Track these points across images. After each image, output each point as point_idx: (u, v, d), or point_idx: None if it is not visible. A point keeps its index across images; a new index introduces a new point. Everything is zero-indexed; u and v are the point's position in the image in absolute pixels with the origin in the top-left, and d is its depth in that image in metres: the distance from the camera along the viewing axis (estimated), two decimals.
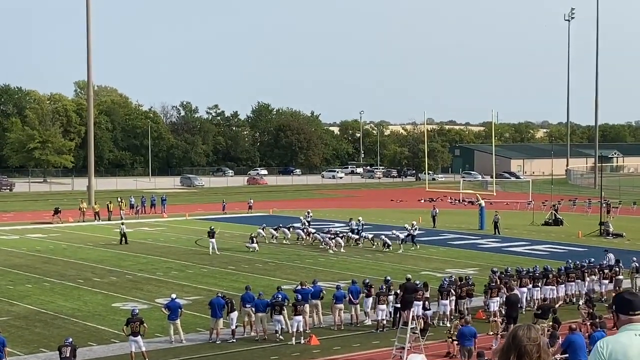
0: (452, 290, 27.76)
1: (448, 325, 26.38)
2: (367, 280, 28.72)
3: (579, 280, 31.14)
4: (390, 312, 27.00)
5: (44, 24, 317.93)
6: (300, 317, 25.05)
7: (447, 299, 27.41)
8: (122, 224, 50.51)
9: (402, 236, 46.36)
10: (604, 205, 57.88)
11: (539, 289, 29.76)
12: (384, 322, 26.62)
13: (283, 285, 31.24)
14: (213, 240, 44.24)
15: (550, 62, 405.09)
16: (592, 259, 33.80)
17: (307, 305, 26.12)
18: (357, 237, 47.97)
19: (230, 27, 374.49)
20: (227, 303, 25.30)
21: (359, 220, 51.03)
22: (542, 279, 29.93)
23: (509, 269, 32.77)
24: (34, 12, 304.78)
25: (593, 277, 31.57)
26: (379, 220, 63.19)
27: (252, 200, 71.77)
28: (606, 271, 31.93)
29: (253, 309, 25.31)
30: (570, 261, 32.83)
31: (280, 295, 25.94)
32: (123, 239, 48.26)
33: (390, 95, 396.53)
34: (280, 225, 51.02)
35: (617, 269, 32.25)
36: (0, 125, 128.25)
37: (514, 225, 58.69)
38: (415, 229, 47.81)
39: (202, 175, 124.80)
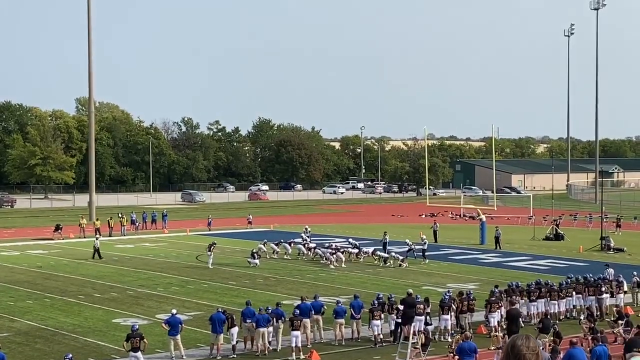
0: (452, 305, 27.73)
1: (449, 340, 26.34)
2: (391, 296, 28.59)
3: (580, 295, 31.04)
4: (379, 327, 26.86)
5: (45, 41, 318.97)
6: (297, 332, 25.02)
7: (448, 314, 27.38)
8: (97, 238, 50.97)
9: (391, 254, 46.28)
10: (605, 219, 57.85)
11: (541, 302, 29.73)
12: (381, 336, 26.58)
13: (284, 301, 31.28)
14: (210, 253, 45.09)
15: (551, 78, 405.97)
16: (591, 274, 33.70)
17: (306, 320, 26.05)
18: (357, 251, 47.97)
19: (231, 43, 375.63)
20: (227, 318, 25.29)
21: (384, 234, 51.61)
22: (538, 292, 29.88)
23: (512, 283, 32.73)
24: (36, 28, 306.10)
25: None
26: (380, 235, 63.14)
27: (251, 216, 71.76)
28: (601, 286, 31.69)
29: (254, 324, 25.29)
30: (571, 275, 32.74)
31: (278, 312, 25.97)
32: (96, 253, 48.81)
33: (391, 110, 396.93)
34: (282, 240, 51.09)
35: (602, 286, 31.37)
36: (2, 141, 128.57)
37: (515, 240, 58.67)
38: (425, 243, 48.01)
39: (204, 191, 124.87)
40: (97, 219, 65.93)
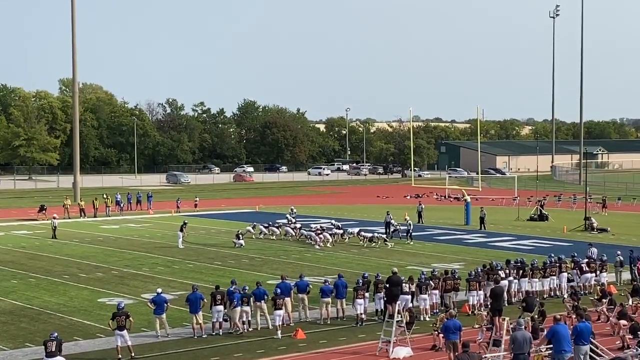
0: (430, 284, 27.84)
1: (427, 319, 26.62)
2: (378, 275, 28.72)
3: (567, 273, 31.22)
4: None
5: (29, 21, 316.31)
6: (280, 312, 25.08)
7: (426, 294, 27.50)
8: (54, 218, 51.41)
9: (376, 235, 46.42)
10: (590, 200, 58.18)
11: (524, 281, 29.92)
12: (363, 316, 26.70)
13: (268, 281, 31.34)
14: (180, 233, 45.67)
15: (536, 60, 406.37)
16: (575, 253, 33.92)
17: (287, 299, 26.03)
18: (342, 232, 48.04)
19: (216, 24, 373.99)
20: (213, 296, 25.26)
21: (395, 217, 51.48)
22: (520, 270, 30.08)
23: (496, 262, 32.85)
24: (19, 9, 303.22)
25: (576, 270, 31.66)
26: (365, 216, 63.40)
27: (197, 198, 71.18)
28: (583, 265, 31.92)
29: (252, 300, 25.28)
30: (553, 255, 32.90)
31: (261, 291, 25.98)
32: (53, 233, 49.61)
33: (376, 92, 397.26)
34: (270, 223, 50.88)
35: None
36: None
37: (499, 220, 58.96)
38: (410, 224, 48.19)
39: (188, 173, 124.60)
40: (81, 200, 65.71)
